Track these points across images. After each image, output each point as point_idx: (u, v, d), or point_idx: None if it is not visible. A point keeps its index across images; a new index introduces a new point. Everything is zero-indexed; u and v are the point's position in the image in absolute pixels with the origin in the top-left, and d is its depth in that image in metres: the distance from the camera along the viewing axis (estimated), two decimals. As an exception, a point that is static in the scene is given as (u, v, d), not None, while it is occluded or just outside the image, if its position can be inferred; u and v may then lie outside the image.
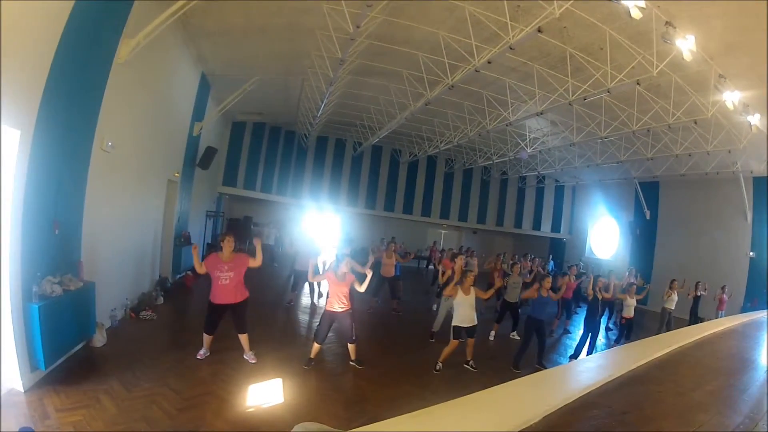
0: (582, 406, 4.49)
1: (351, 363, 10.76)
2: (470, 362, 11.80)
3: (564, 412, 4.22)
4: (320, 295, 17.50)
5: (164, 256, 16.05)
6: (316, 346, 10.52)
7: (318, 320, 11.68)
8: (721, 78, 13.26)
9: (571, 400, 4.46)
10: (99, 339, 9.73)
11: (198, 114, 18.16)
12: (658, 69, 12.33)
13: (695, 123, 15.79)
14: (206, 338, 9.89)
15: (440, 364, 11.35)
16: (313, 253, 15.68)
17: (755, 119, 14.74)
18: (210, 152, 19.60)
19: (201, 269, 9.70)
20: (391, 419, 3.43)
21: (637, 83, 13.32)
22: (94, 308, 9.34)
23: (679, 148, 19.69)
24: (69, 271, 8.53)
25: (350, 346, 10.77)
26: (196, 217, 21.03)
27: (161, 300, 14.05)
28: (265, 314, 14.05)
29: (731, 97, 13.44)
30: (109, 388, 7.74)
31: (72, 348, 8.91)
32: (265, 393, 8.61)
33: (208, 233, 24.53)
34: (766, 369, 7.27)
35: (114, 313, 11.23)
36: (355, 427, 6.50)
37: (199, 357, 9.79)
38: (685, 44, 11.22)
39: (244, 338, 10.10)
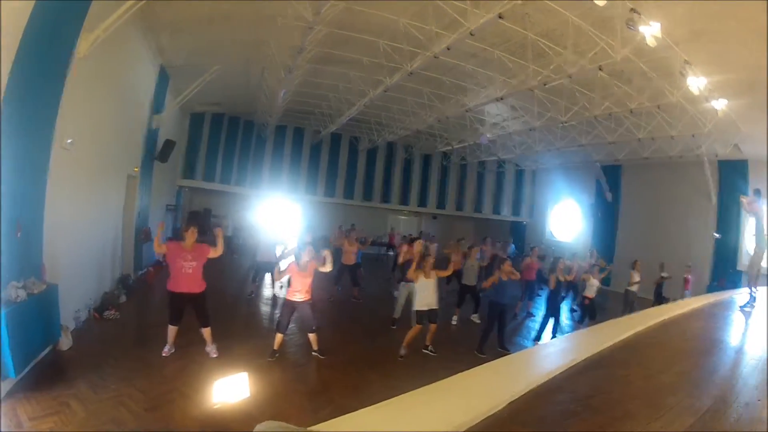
0: (547, 391, 4.57)
1: (314, 353, 10.76)
2: (429, 347, 11.91)
3: (529, 397, 4.31)
4: (281, 285, 17.24)
5: (125, 253, 15.85)
6: (278, 336, 10.51)
7: (280, 311, 11.82)
8: (687, 64, 13.36)
9: (535, 385, 4.55)
10: (65, 342, 9.58)
11: (157, 106, 17.95)
12: (622, 55, 12.41)
13: (659, 108, 15.96)
14: (171, 331, 9.82)
15: (404, 349, 11.47)
16: (274, 244, 16.03)
17: (721, 104, 14.93)
18: (169, 145, 19.40)
19: (160, 249, 9.75)
20: (354, 412, 3.45)
21: (600, 69, 13.41)
22: (58, 311, 9.18)
23: (642, 132, 19.89)
24: (32, 274, 8.34)
25: (311, 336, 10.78)
26: (156, 212, 20.75)
27: (124, 298, 13.87)
28: (227, 306, 14.02)
29: (697, 83, 13.56)
30: (78, 392, 7.64)
31: (39, 353, 8.75)
32: (231, 388, 8.59)
33: (168, 227, 24.14)
34: (735, 350, 7.31)
35: (78, 315, 11.08)
36: (321, 418, 6.50)
37: (164, 354, 9.74)
38: (650, 30, 11.22)
39: (207, 332, 10.05)
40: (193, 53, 17.10)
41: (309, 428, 2.82)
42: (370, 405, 3.76)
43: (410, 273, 11.77)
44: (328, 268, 10.77)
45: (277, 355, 10.45)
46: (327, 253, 10.97)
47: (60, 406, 7.13)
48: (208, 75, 17.86)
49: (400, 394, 4.04)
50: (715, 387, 5.35)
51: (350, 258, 16.85)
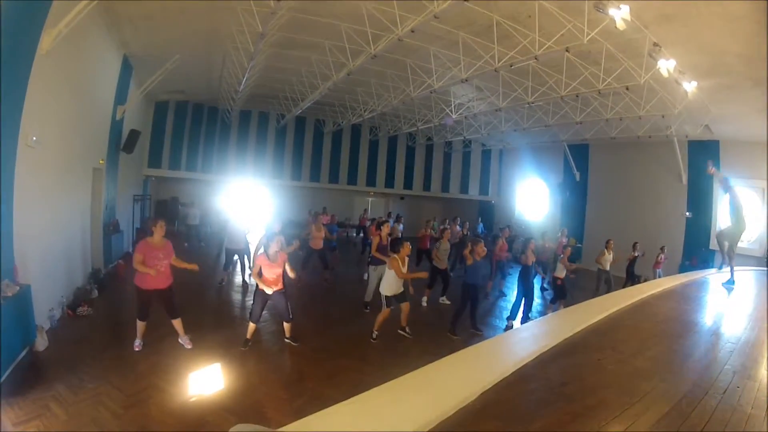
0: (519, 379, 4.63)
1: (286, 340, 10.77)
2: (405, 328, 11.96)
3: (501, 387, 4.36)
4: (249, 272, 17.15)
5: (95, 247, 15.68)
6: (251, 326, 10.49)
7: (251, 298, 11.71)
8: (656, 46, 13.45)
9: (507, 374, 4.60)
10: (41, 342, 9.46)
11: (120, 97, 17.76)
12: (589, 37, 12.39)
13: (627, 89, 15.96)
14: (140, 326, 9.77)
15: (376, 332, 11.52)
16: (243, 231, 16.07)
17: (691, 86, 15.00)
18: (134, 135, 19.24)
19: (142, 267, 9.43)
20: (325, 410, 3.46)
21: (567, 50, 13.38)
22: (33, 312, 9.11)
23: (609, 112, 20.06)
24: (5, 276, 8.24)
25: (286, 325, 10.77)
26: (123, 203, 20.66)
27: (96, 293, 13.73)
28: (197, 296, 13.95)
29: (666, 65, 13.58)
30: (57, 394, 7.56)
31: (17, 356, 8.66)
32: (205, 380, 8.56)
33: (136, 218, 24.06)
34: (710, 333, 7.33)
35: (52, 314, 10.94)
36: (296, 407, 6.50)
37: (136, 349, 9.69)
38: (619, 13, 11.21)
39: (177, 323, 10.03)
40: (155, 43, 16.95)
41: (281, 429, 2.93)
42: (346, 392, 3.88)
43: (392, 264, 11.55)
44: (292, 274, 10.68)
45: (250, 344, 10.43)
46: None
47: (41, 409, 7.06)
48: (169, 64, 17.66)
49: (375, 380, 4.11)
50: (691, 372, 5.41)
51: (318, 243, 16.72)
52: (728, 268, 12.47)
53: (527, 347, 5.65)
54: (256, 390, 8.33)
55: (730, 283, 11.98)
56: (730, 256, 12.54)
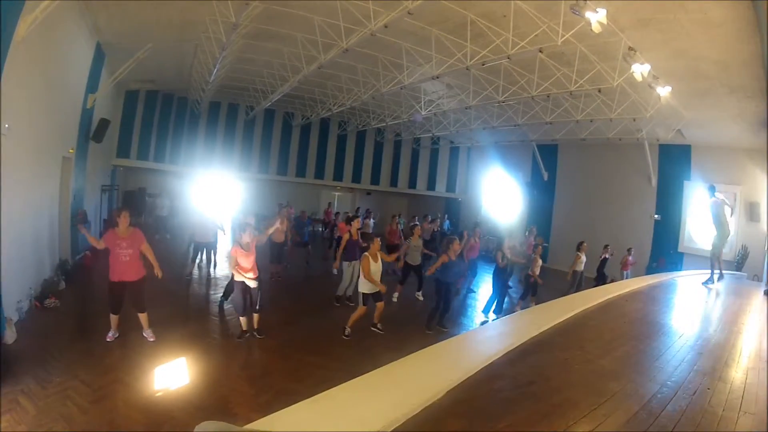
0: (486, 378, 4.60)
1: (253, 332, 10.80)
2: (378, 325, 11.97)
3: (467, 385, 4.33)
4: (215, 264, 17.51)
5: (62, 237, 15.43)
6: (243, 319, 10.58)
7: (217, 292, 12.24)
8: (631, 50, 13.53)
9: (473, 372, 4.58)
10: (10, 335, 9.33)
11: (92, 85, 17.51)
12: (563, 38, 12.46)
13: (599, 91, 16.06)
14: (113, 319, 9.70)
15: (348, 329, 11.48)
16: (211, 223, 16.09)
17: (665, 90, 15.08)
18: (103, 124, 18.88)
19: (100, 244, 9.57)
20: (291, 407, 3.42)
21: (540, 51, 13.41)
22: (1, 303, 9.00)
23: (580, 114, 20.22)
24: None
25: (255, 316, 10.77)
26: (91, 193, 20.42)
27: (63, 285, 13.55)
28: (163, 289, 13.37)
29: (641, 69, 13.65)
30: (26, 388, 7.48)
31: (-14, 348, 8.52)
32: (171, 375, 8.49)
33: (104, 208, 23.80)
34: (679, 335, 7.34)
35: (20, 305, 10.79)
36: (261, 403, 6.41)
37: (108, 339, 9.63)
38: (595, 16, 11.22)
39: (143, 317, 9.98)
40: (129, 30, 16.72)
41: (246, 427, 2.81)
42: (311, 388, 3.83)
43: (365, 264, 11.55)
44: (253, 284, 10.71)
45: (247, 335, 10.65)
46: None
47: (11, 403, 6.97)
48: (141, 53, 17.52)
49: (341, 376, 4.10)
50: (660, 373, 5.39)
51: (279, 236, 16.55)
52: (713, 271, 12.67)
53: (494, 345, 5.66)
54: (220, 385, 8.28)
55: (709, 282, 12.37)
56: (719, 260, 12.73)
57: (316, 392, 3.72)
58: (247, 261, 10.51)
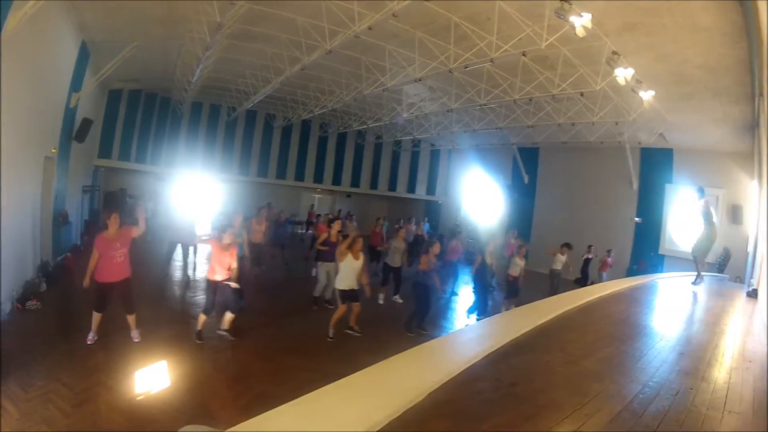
0: (468, 379, 4.58)
1: (220, 332, 10.76)
2: (354, 328, 11.94)
3: (449, 387, 4.30)
4: (195, 266, 17.52)
5: (44, 238, 15.27)
6: (202, 317, 10.48)
7: (195, 294, 12.27)
8: (615, 54, 13.60)
9: (456, 374, 4.55)
10: (-8, 338, 9.28)
11: (76, 84, 17.32)
12: (547, 42, 12.54)
13: (582, 95, 16.19)
14: (96, 318, 9.61)
15: (332, 329, 11.50)
16: (191, 225, 16.19)
17: (648, 95, 15.18)
18: (86, 124, 18.80)
19: (93, 259, 9.47)
20: (273, 410, 3.40)
21: (524, 54, 13.48)
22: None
23: (562, 117, 20.44)
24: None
25: (228, 316, 10.67)
26: (73, 194, 20.20)
27: (44, 287, 13.47)
28: (144, 291, 13.41)
29: (624, 73, 13.73)
30: (8, 391, 7.43)
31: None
32: (152, 378, 8.46)
33: (85, 209, 23.67)
34: (660, 336, 7.34)
35: (2, 307, 10.75)
36: (241, 406, 6.37)
37: (89, 342, 9.57)
38: (580, 21, 11.28)
39: (132, 318, 9.92)
40: (115, 28, 16.65)
41: (228, 430, 2.90)
42: (292, 391, 3.79)
43: (339, 252, 11.76)
44: (234, 285, 10.64)
45: (203, 335, 10.46)
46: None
47: (-6, 407, 6.95)
48: (126, 51, 17.49)
49: (322, 378, 4.05)
50: (642, 373, 5.37)
51: (258, 236, 16.40)
52: (699, 271, 12.71)
53: (476, 347, 5.63)
54: (200, 388, 8.26)
55: (698, 282, 12.40)
56: (701, 263, 12.78)
57: (297, 395, 3.70)
58: (222, 260, 10.46)
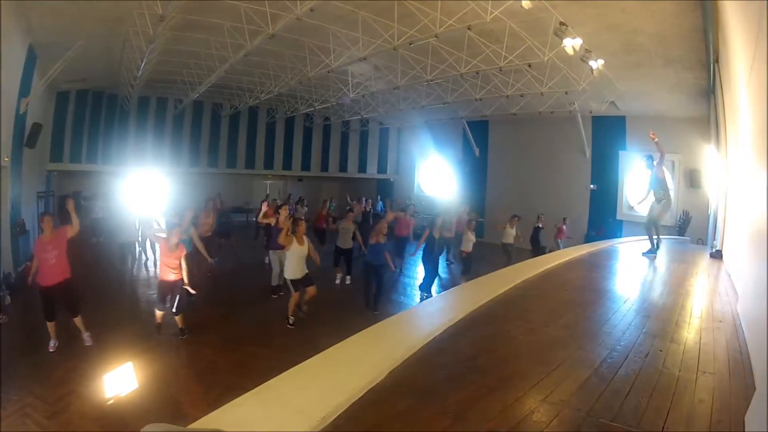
0: (428, 354, 4.62)
1: (180, 333, 10.75)
2: (303, 308, 12.10)
3: (411, 363, 4.35)
4: (143, 263, 17.67)
5: (3, 249, 14.95)
6: (158, 312, 10.56)
7: (152, 290, 12.27)
8: (563, 25, 13.52)
9: (416, 349, 4.58)
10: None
11: (24, 89, 16.90)
12: (492, 15, 12.49)
13: (529, 66, 16.31)
14: (50, 326, 9.55)
15: (291, 317, 11.71)
16: (139, 222, 16.42)
17: (597, 64, 15.17)
18: (36, 129, 18.45)
19: (35, 266, 9.56)
20: (235, 400, 3.42)
21: (468, 29, 13.51)
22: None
23: (510, 89, 20.46)
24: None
25: (177, 317, 10.70)
26: (28, 201, 19.85)
27: (8, 299, 13.30)
28: (96, 291, 13.48)
29: (572, 43, 13.69)
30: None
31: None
32: (120, 381, 8.40)
33: (35, 217, 22.90)
34: (624, 299, 7.33)
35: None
36: (212, 398, 6.30)
37: (51, 350, 9.50)
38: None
39: (78, 321, 9.83)
40: (61, 28, 16.32)
41: (189, 426, 2.85)
42: (257, 380, 3.78)
43: (281, 239, 11.66)
44: (186, 281, 10.59)
45: (161, 329, 10.66)
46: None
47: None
48: (72, 51, 17.24)
49: (284, 365, 4.05)
50: (608, 338, 5.40)
51: (206, 229, 16.01)
52: (652, 240, 12.60)
53: (434, 321, 5.63)
54: (169, 385, 8.30)
55: (651, 252, 12.17)
56: (657, 229, 12.66)
57: (264, 383, 3.69)
58: (170, 261, 10.39)
